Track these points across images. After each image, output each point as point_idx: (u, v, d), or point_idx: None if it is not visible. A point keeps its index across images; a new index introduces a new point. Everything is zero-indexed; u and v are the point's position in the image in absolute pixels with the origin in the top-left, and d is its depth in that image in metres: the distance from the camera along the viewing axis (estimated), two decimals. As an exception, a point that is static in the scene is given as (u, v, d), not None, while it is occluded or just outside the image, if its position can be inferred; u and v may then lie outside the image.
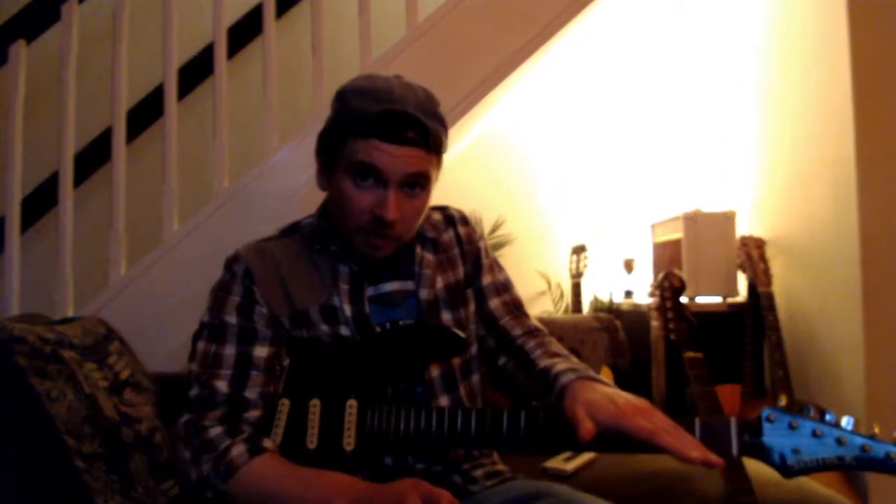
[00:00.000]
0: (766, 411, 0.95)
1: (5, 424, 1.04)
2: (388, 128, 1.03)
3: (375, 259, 1.11)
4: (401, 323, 1.13)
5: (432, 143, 1.07)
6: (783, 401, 0.97)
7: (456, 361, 1.15)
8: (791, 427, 0.94)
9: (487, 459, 1.19)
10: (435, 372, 1.13)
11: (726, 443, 0.95)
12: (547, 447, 0.99)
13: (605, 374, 1.98)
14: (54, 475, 1.03)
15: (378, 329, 1.12)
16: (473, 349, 1.20)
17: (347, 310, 1.09)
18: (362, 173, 1.04)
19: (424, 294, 1.14)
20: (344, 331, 1.09)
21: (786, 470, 0.93)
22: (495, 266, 1.27)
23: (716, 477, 1.41)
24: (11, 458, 1.03)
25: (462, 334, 1.10)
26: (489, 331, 1.21)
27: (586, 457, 1.62)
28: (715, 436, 0.95)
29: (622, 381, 1.95)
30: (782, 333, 2.13)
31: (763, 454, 0.94)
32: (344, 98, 1.09)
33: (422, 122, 1.04)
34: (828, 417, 0.94)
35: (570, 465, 1.56)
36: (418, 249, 1.17)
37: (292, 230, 1.21)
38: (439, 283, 1.17)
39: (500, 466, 1.19)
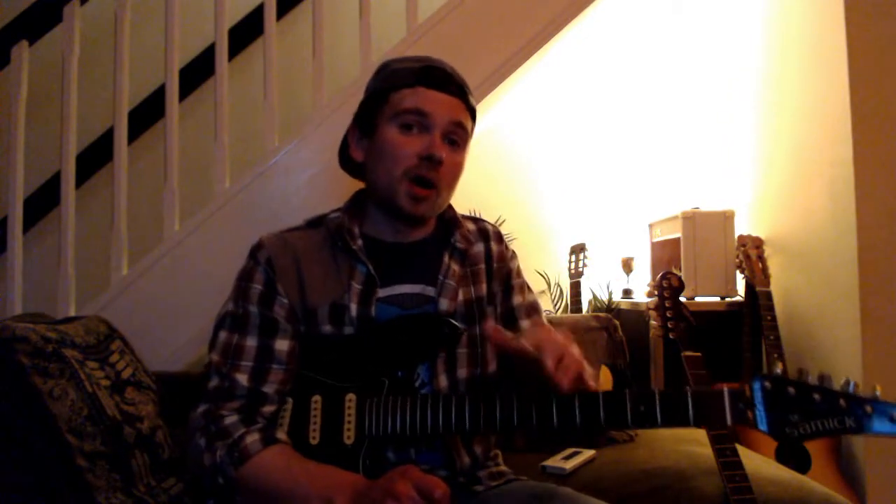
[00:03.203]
0: (760, 378, 0.91)
1: (7, 423, 1.05)
2: (432, 76, 1.11)
3: (417, 215, 1.12)
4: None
5: (471, 103, 1.15)
6: (778, 367, 0.93)
7: (462, 375, 1.15)
8: (788, 393, 0.90)
9: (491, 461, 1.19)
10: (442, 379, 1.12)
11: (720, 412, 0.92)
12: (538, 425, 0.98)
13: (604, 374, 1.98)
14: (56, 474, 1.04)
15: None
16: (493, 366, 1.19)
17: (354, 310, 1.09)
18: (408, 120, 1.10)
19: (444, 304, 1.13)
20: (348, 331, 1.09)
21: (783, 438, 0.89)
22: (525, 287, 1.27)
23: (714, 476, 1.42)
24: (13, 457, 1.04)
25: (457, 323, 1.10)
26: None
27: (585, 455, 1.63)
28: (708, 406, 0.93)
29: (621, 381, 1.96)
30: (780, 332, 2.14)
31: (758, 423, 0.90)
32: (386, 65, 1.17)
33: (460, 83, 1.14)
34: (827, 381, 0.89)
35: (570, 464, 1.57)
36: (446, 258, 1.17)
37: (318, 222, 1.20)
38: (460, 296, 1.16)
39: (504, 468, 1.19)
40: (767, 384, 0.91)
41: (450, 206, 1.24)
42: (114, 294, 1.86)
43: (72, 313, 1.84)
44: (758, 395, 0.91)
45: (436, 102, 1.10)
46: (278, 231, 1.18)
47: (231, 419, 1.03)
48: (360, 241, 1.14)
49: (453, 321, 1.10)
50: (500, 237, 1.28)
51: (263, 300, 1.10)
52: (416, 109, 1.10)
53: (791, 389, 0.90)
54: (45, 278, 2.09)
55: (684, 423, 0.93)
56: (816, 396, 0.89)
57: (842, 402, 0.87)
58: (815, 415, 0.88)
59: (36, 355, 1.09)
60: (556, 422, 0.96)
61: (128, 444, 1.15)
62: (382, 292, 1.12)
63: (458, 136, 1.13)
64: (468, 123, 1.15)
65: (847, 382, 0.88)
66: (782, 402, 0.90)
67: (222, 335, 1.10)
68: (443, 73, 1.12)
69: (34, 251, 2.37)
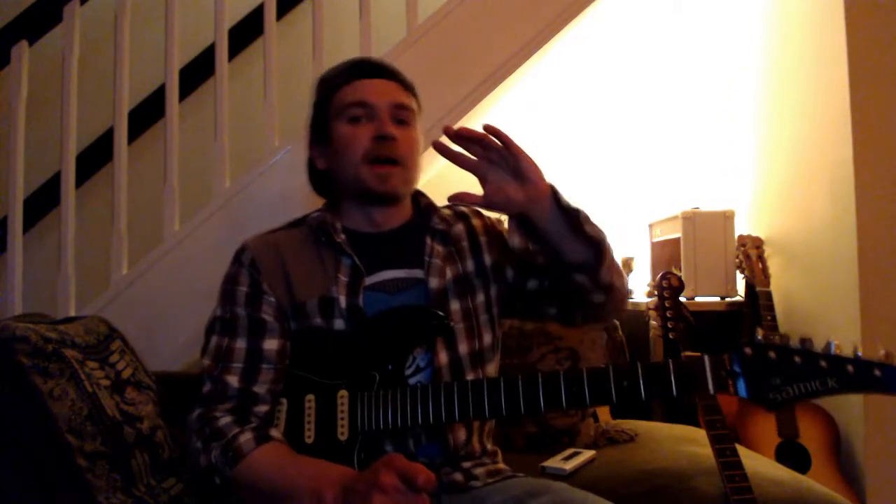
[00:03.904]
0: (740, 345, 0.91)
1: (7, 423, 1.05)
2: (364, 67, 1.21)
3: (388, 193, 1.16)
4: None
5: (406, 83, 1.23)
6: (760, 333, 0.93)
7: (464, 350, 1.16)
8: (769, 357, 0.90)
9: (489, 458, 1.20)
10: (443, 357, 1.13)
11: (701, 380, 0.93)
12: (526, 409, 0.99)
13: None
14: (56, 474, 1.04)
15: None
16: (487, 339, 1.20)
17: (343, 301, 1.11)
18: (354, 113, 1.17)
19: (434, 283, 1.16)
20: (338, 324, 1.11)
21: (766, 403, 0.89)
22: None
23: (714, 476, 1.42)
24: (13, 457, 1.04)
25: (441, 313, 1.12)
26: (513, 264, 1.23)
27: (585, 456, 1.63)
28: (690, 376, 0.93)
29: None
30: (780, 333, 2.13)
31: (739, 389, 0.91)
32: (322, 77, 1.26)
33: (390, 67, 1.22)
34: (807, 344, 0.89)
35: (570, 465, 1.57)
36: (428, 240, 1.20)
37: (300, 222, 1.24)
38: (448, 273, 1.19)
39: (501, 465, 1.20)
40: (748, 350, 0.91)
41: (424, 195, 1.28)
42: (114, 294, 1.86)
43: (72, 313, 1.84)
44: (737, 363, 0.91)
45: (374, 91, 1.18)
46: (261, 233, 1.22)
47: (225, 420, 1.04)
48: (343, 235, 1.17)
49: (440, 312, 1.12)
50: (478, 213, 1.30)
51: (250, 301, 1.12)
52: (358, 102, 1.17)
53: (772, 354, 0.90)
54: (45, 278, 2.08)
55: (667, 393, 0.94)
56: (797, 359, 0.89)
57: (823, 363, 0.88)
58: (797, 377, 0.88)
59: (36, 355, 1.09)
60: (542, 404, 0.97)
61: (128, 444, 1.15)
62: (368, 280, 1.14)
63: (403, 116, 1.19)
64: (411, 102, 1.21)
65: (828, 344, 0.89)
66: (763, 368, 0.90)
67: (213, 340, 1.13)
68: (372, 62, 1.23)
69: (34, 251, 2.37)
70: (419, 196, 1.29)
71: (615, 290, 1.15)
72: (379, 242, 1.19)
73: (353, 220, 1.21)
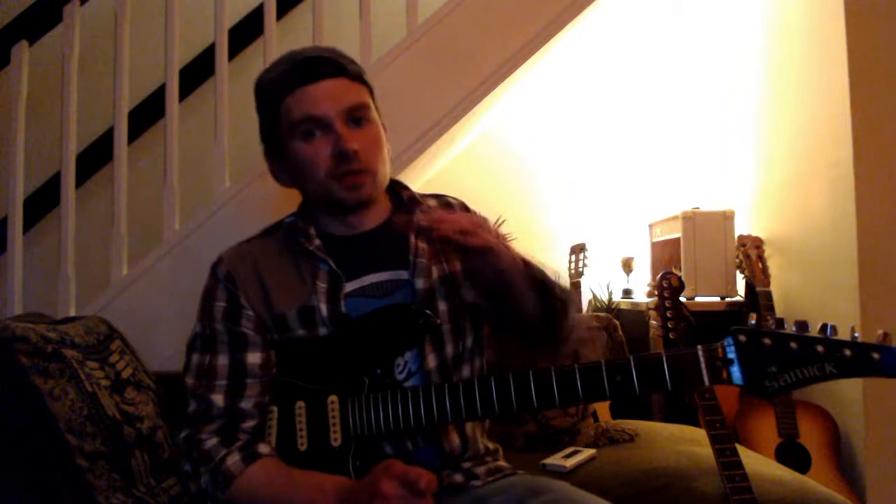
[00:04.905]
0: (734, 332, 0.88)
1: (7, 423, 1.05)
2: (303, 71, 1.08)
3: (361, 201, 1.11)
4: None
5: (352, 73, 1.11)
6: (752, 318, 0.90)
7: (450, 352, 1.14)
8: (764, 344, 0.87)
9: (490, 457, 1.18)
10: (431, 360, 1.11)
11: (696, 373, 0.90)
12: (518, 407, 0.98)
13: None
14: (56, 474, 1.04)
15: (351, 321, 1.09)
16: (469, 341, 1.17)
17: (324, 309, 1.08)
18: (305, 128, 1.08)
19: (420, 283, 1.11)
20: (322, 332, 1.08)
21: (763, 392, 0.87)
22: None
23: (714, 476, 1.42)
24: (13, 457, 1.04)
25: (427, 311, 1.08)
26: None
27: (586, 454, 1.63)
28: (684, 368, 0.91)
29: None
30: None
31: (733, 378, 0.88)
32: (260, 82, 1.16)
33: (331, 57, 1.10)
34: (803, 329, 0.87)
35: (570, 462, 1.57)
36: (412, 238, 1.15)
37: (274, 229, 1.20)
38: (434, 273, 1.14)
39: (502, 463, 1.19)
40: (742, 338, 0.88)
41: (406, 187, 1.23)
42: (114, 294, 1.86)
43: (72, 313, 1.84)
44: (731, 350, 0.88)
45: (321, 99, 1.07)
46: (236, 244, 1.18)
47: (211, 442, 1.03)
48: (317, 241, 1.13)
49: (426, 310, 1.08)
50: (466, 208, 1.26)
51: (229, 316, 1.09)
52: (306, 118, 1.07)
53: (767, 341, 0.87)
54: (45, 278, 2.08)
55: (661, 387, 0.91)
56: (793, 345, 0.86)
57: (819, 348, 0.85)
58: (794, 364, 0.86)
59: (36, 355, 1.09)
60: (535, 401, 0.96)
61: (128, 443, 1.15)
62: (350, 286, 1.11)
63: (359, 115, 1.10)
64: (363, 97, 1.11)
65: (824, 327, 0.86)
66: (759, 355, 0.87)
67: (194, 358, 1.10)
68: (313, 60, 1.09)
69: (34, 251, 2.37)
70: (401, 189, 1.23)
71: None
72: (358, 244, 1.15)
73: (329, 223, 1.16)
